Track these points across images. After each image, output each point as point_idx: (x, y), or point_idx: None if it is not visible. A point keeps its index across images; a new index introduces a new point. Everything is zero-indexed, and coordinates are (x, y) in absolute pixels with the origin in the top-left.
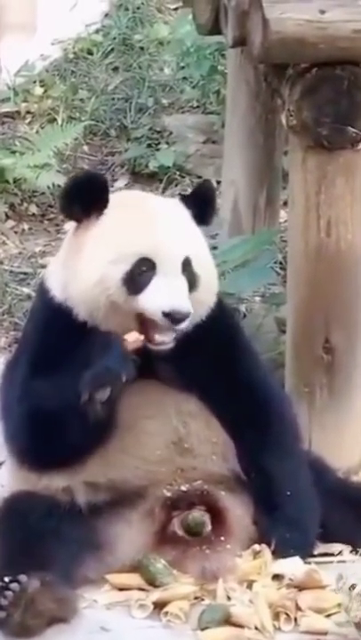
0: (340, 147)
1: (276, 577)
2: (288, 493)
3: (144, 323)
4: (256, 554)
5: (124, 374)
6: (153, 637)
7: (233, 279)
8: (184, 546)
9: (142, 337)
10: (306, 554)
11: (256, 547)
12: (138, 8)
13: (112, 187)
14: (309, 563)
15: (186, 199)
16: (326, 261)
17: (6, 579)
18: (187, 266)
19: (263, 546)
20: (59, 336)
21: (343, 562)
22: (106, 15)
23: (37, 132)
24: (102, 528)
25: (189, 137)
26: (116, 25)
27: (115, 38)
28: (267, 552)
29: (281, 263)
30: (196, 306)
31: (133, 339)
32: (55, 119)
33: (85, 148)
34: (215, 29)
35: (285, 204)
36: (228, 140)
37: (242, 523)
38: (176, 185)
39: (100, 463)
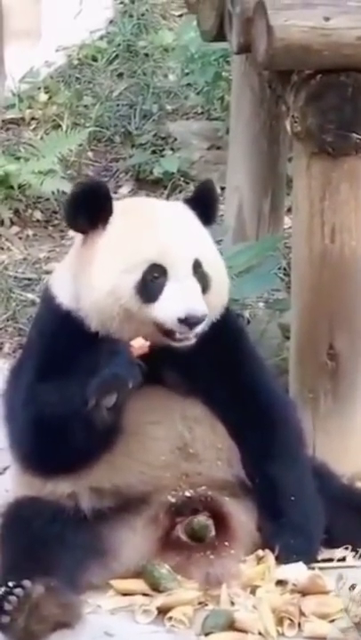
0: (344, 153)
1: (280, 582)
2: (292, 499)
3: (161, 328)
4: (260, 559)
5: (130, 380)
6: None
7: (237, 285)
8: (188, 551)
9: (148, 343)
10: (310, 559)
11: (260, 552)
12: (142, 15)
13: (116, 193)
14: (313, 568)
15: (190, 201)
16: (330, 267)
17: (10, 584)
18: (198, 268)
19: (267, 551)
20: (65, 342)
21: (347, 567)
22: (110, 22)
23: (42, 138)
24: (107, 534)
25: (194, 143)
26: (120, 31)
27: (119, 45)
28: (270, 557)
29: (285, 269)
30: (211, 306)
31: (139, 344)
32: (60, 125)
33: (90, 154)
34: (220, 36)
35: (290, 210)
36: (233, 146)
37: (246, 528)
38: (180, 191)
39: (106, 468)
